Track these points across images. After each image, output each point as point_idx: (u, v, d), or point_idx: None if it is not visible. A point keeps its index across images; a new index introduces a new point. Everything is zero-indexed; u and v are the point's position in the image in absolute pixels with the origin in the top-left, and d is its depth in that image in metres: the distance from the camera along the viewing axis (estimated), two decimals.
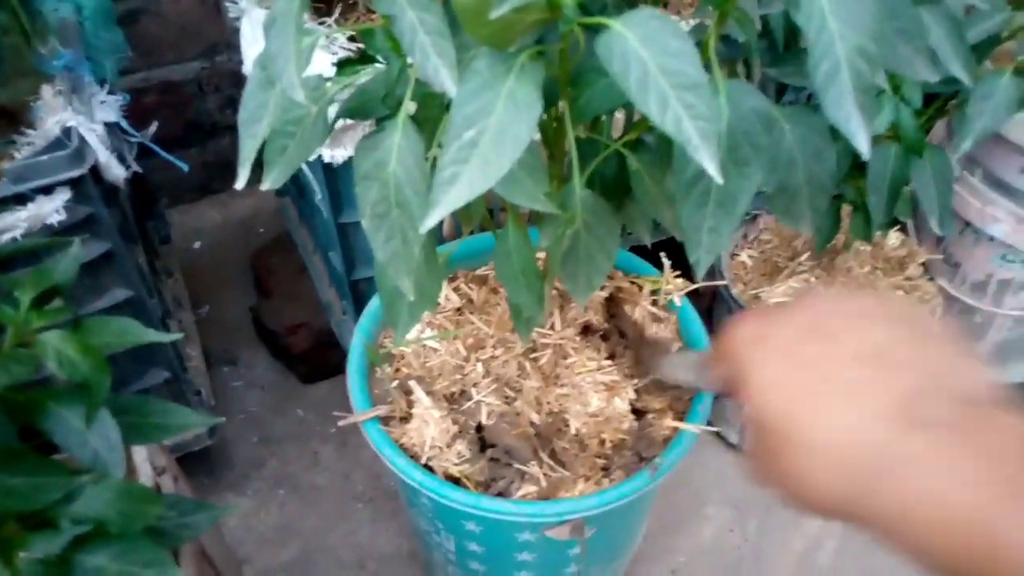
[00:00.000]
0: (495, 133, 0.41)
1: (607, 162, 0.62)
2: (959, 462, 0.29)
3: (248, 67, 0.92)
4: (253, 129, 0.48)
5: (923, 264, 1.08)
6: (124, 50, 1.08)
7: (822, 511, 0.33)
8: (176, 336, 0.55)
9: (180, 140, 1.53)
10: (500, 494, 0.71)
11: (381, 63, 0.56)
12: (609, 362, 0.78)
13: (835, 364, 0.34)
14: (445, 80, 0.41)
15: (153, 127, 0.95)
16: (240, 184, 0.49)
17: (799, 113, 0.52)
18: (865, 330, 0.35)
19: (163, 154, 0.89)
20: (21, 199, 0.73)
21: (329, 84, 0.55)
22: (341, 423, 0.71)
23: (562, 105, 0.54)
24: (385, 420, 0.74)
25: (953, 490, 0.29)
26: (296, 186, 1.21)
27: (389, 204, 0.49)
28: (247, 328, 1.36)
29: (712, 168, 0.38)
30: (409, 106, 0.49)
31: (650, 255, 0.87)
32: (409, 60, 0.51)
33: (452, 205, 0.40)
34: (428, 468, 0.71)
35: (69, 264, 0.52)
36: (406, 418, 0.75)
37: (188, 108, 1.52)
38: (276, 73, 0.43)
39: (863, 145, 0.38)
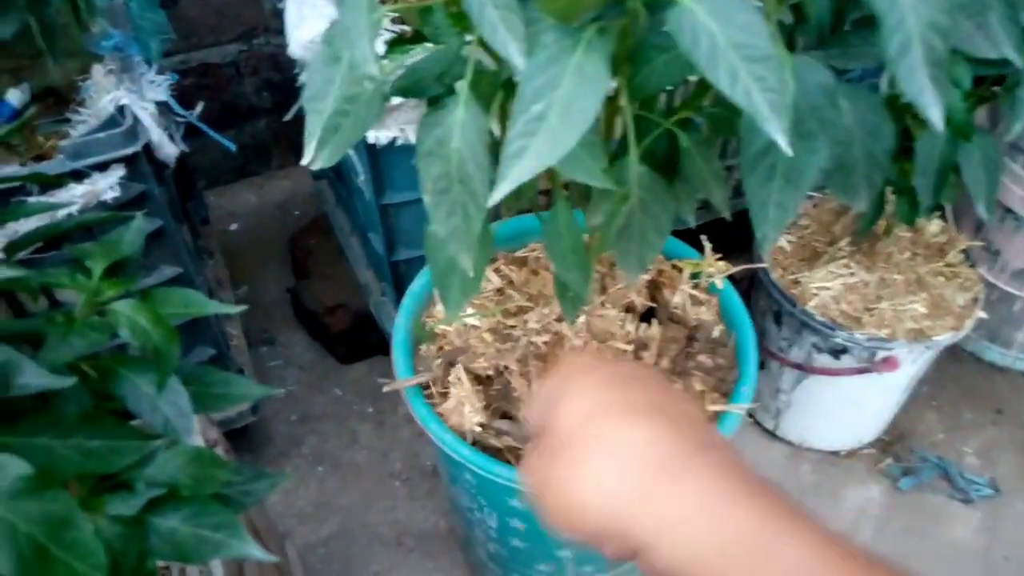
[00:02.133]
0: (563, 107, 0.41)
1: (658, 140, 0.62)
2: (731, 478, 0.32)
3: (293, 48, 0.93)
4: (319, 105, 0.49)
5: (963, 251, 1.08)
6: (168, 31, 1.09)
7: (597, 518, 0.33)
8: (236, 309, 0.56)
9: (217, 122, 1.53)
10: None
11: (430, 44, 0.57)
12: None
13: (643, 396, 0.36)
14: (514, 53, 0.42)
15: (200, 107, 0.96)
16: (306, 160, 0.50)
17: (856, 91, 0.52)
18: (673, 398, 0.37)
19: (212, 133, 0.91)
20: (78, 176, 0.75)
21: (385, 62, 0.56)
22: (386, 388, 0.72)
23: (617, 81, 0.54)
24: (427, 395, 0.75)
25: (722, 499, 0.31)
26: (335, 168, 1.22)
27: (451, 180, 0.50)
28: (285, 309, 1.38)
29: (782, 140, 0.38)
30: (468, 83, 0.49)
31: (690, 238, 0.88)
32: (469, 37, 0.52)
33: (520, 179, 0.41)
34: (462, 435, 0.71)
35: (135, 236, 0.53)
36: (445, 393, 0.76)
37: (225, 91, 1.53)
38: (347, 46, 0.44)
39: (937, 118, 0.38)
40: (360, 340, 1.27)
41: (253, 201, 1.61)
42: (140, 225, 0.55)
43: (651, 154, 0.63)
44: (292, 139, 1.62)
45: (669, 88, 0.77)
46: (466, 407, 0.73)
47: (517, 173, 0.41)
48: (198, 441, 0.72)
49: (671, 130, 0.61)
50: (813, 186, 1.10)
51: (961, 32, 0.49)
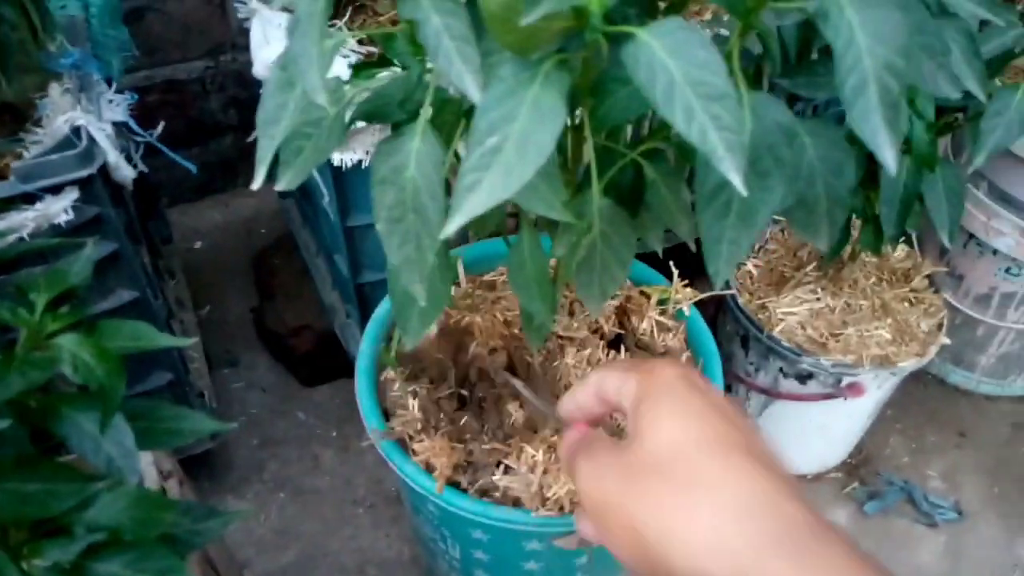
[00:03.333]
0: (519, 140, 0.41)
1: (623, 171, 0.62)
2: (853, 556, 0.28)
3: (258, 68, 0.92)
4: (271, 130, 0.48)
5: (928, 276, 1.08)
6: (130, 48, 1.07)
7: (698, 567, 0.29)
8: (188, 341, 0.55)
9: (182, 140, 1.52)
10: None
11: (398, 67, 0.56)
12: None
13: (743, 438, 0.32)
14: (470, 86, 0.41)
15: (160, 127, 0.95)
16: (256, 185, 0.49)
17: (819, 126, 0.51)
18: (756, 433, 0.34)
19: (172, 155, 0.89)
20: (29, 198, 0.73)
21: (347, 87, 0.55)
22: (364, 444, 0.71)
23: (580, 113, 0.54)
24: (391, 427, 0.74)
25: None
26: (301, 188, 1.20)
27: (405, 209, 0.49)
28: (248, 330, 1.35)
29: (736, 180, 0.37)
30: (427, 111, 0.48)
31: (658, 264, 0.87)
32: (429, 65, 0.51)
33: (473, 212, 0.40)
34: (428, 468, 0.70)
35: (84, 265, 0.51)
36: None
37: (191, 107, 1.51)
38: (298, 75, 0.43)
39: (890, 161, 0.38)
40: (324, 362, 1.25)
41: (218, 219, 1.59)
42: (89, 254, 0.54)
43: (616, 185, 0.63)
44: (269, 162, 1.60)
45: (636, 118, 0.77)
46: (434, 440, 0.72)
47: (470, 207, 0.40)
48: (151, 473, 0.70)
49: (637, 160, 0.61)
50: (773, 220, 1.09)
51: (923, 72, 0.49)
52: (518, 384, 0.69)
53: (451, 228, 0.41)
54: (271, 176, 0.54)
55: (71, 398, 0.45)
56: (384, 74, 0.57)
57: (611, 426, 0.73)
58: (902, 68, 0.39)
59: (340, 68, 0.80)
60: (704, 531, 0.29)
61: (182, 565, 0.43)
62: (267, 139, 0.49)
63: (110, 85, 0.91)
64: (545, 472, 0.69)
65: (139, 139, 0.92)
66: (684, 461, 0.31)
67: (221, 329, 1.36)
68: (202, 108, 1.53)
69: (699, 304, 0.86)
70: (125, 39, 1.07)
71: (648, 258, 0.86)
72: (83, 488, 0.41)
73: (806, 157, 0.50)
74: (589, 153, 0.53)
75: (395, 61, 0.56)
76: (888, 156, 0.38)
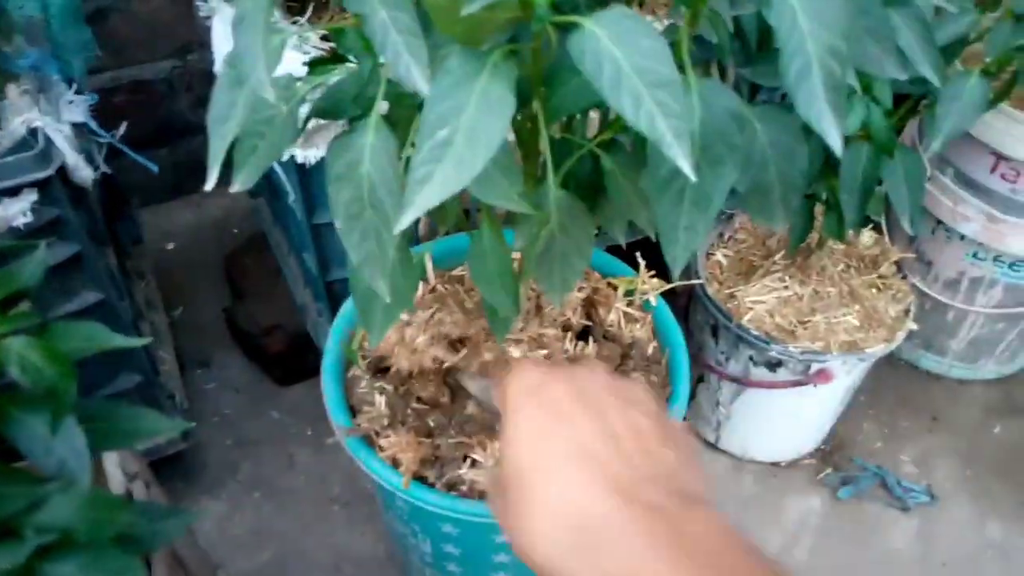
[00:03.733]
0: (468, 132, 0.41)
1: (581, 162, 0.62)
2: (659, 544, 0.32)
3: (219, 67, 0.91)
4: (222, 129, 0.48)
5: (896, 263, 1.09)
6: (93, 49, 1.06)
7: (538, 567, 0.34)
8: (144, 341, 0.54)
9: (151, 140, 1.51)
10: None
11: (353, 63, 0.55)
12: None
13: (587, 435, 0.36)
14: (417, 79, 0.41)
15: (122, 128, 0.94)
16: (210, 185, 0.49)
17: (771, 112, 0.52)
18: (628, 415, 0.38)
19: (132, 155, 0.88)
20: None
21: (300, 83, 0.54)
22: (330, 440, 0.71)
23: (535, 105, 0.54)
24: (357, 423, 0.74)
25: (645, 570, 0.31)
26: (270, 187, 1.19)
27: (363, 205, 0.48)
28: (221, 330, 1.34)
29: (686, 166, 0.38)
30: (381, 106, 0.48)
31: (626, 255, 0.87)
32: (381, 59, 0.51)
33: (426, 205, 0.40)
34: (395, 463, 0.70)
35: (35, 268, 0.51)
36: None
37: (159, 108, 1.50)
38: (245, 71, 0.42)
39: (836, 143, 0.38)
40: (298, 361, 1.25)
41: (190, 219, 1.57)
42: (43, 256, 0.53)
43: (575, 176, 0.63)
44: (230, 156, 1.59)
45: (598, 109, 0.77)
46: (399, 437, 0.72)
47: (424, 199, 0.40)
48: (116, 475, 0.69)
49: (594, 151, 0.61)
50: (726, 209, 1.09)
51: (869, 56, 0.49)
52: (471, 386, 0.71)
53: (405, 221, 0.41)
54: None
55: (20, 399, 0.44)
56: (339, 70, 0.56)
57: None
58: (845, 51, 0.39)
59: (296, 65, 0.79)
60: (533, 537, 0.34)
61: (137, 565, 0.43)
62: (218, 138, 0.49)
63: (71, 86, 0.90)
64: None
65: (101, 140, 0.91)
66: (520, 482, 0.35)
67: (194, 330, 1.35)
68: (170, 108, 1.51)
69: (672, 295, 0.86)
70: (87, 39, 1.06)
71: (617, 250, 0.87)
72: (32, 490, 0.41)
73: (757, 143, 0.50)
74: (544, 143, 0.53)
75: (348, 57, 0.55)
76: (834, 139, 0.38)
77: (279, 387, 1.28)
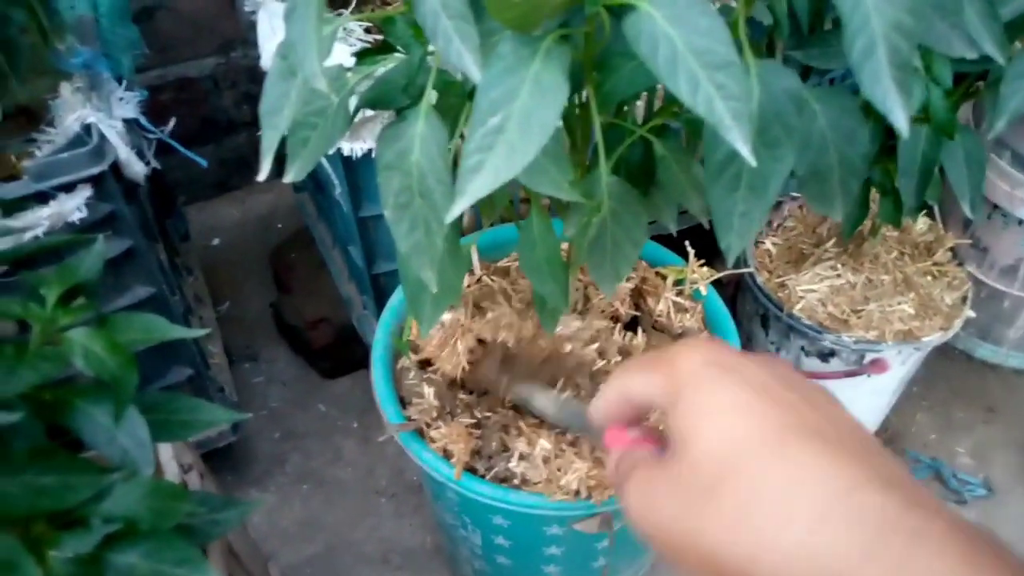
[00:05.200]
0: (521, 119, 0.40)
1: (632, 149, 0.61)
2: (976, 555, 0.24)
3: (266, 61, 0.92)
4: (274, 120, 0.48)
5: (951, 249, 1.06)
6: (140, 46, 1.08)
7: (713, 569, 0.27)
8: (202, 332, 0.55)
9: (196, 137, 1.53)
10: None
11: (401, 53, 0.55)
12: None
13: (811, 418, 0.28)
14: (469, 65, 0.40)
15: (171, 123, 0.95)
16: (262, 176, 0.49)
17: (830, 94, 0.50)
18: (825, 404, 0.30)
19: (182, 150, 0.89)
20: (43, 197, 0.73)
21: (350, 74, 0.54)
22: (381, 438, 0.70)
23: (586, 91, 0.53)
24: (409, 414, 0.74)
25: None
26: (314, 181, 1.20)
27: (412, 194, 0.48)
28: (267, 324, 1.36)
29: (745, 150, 0.37)
30: (431, 95, 0.48)
31: (674, 244, 0.86)
32: (431, 47, 0.50)
33: (477, 194, 0.40)
34: (446, 454, 0.70)
35: (94, 261, 0.51)
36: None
37: (204, 105, 1.52)
38: (297, 62, 0.42)
39: (902, 123, 0.37)
40: (343, 354, 1.26)
41: (235, 216, 1.59)
42: (100, 249, 0.54)
43: (626, 162, 0.62)
44: (277, 150, 1.61)
45: (647, 93, 0.76)
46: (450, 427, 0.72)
47: (475, 188, 0.39)
48: (172, 467, 0.70)
49: (646, 137, 0.60)
50: (791, 197, 1.07)
51: (935, 32, 0.47)
52: (541, 403, 0.64)
53: (457, 210, 0.40)
54: (280, 170, 0.54)
55: (85, 391, 0.45)
56: (388, 60, 0.56)
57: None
58: (912, 27, 0.38)
59: (345, 56, 0.79)
60: (782, 545, 0.25)
61: (199, 555, 0.43)
62: (271, 129, 0.49)
63: (121, 83, 0.91)
64: (556, 457, 0.68)
65: (151, 136, 0.92)
66: (739, 469, 0.27)
67: (240, 325, 1.36)
68: (215, 105, 1.53)
69: (718, 284, 0.85)
70: (135, 37, 1.07)
71: (665, 239, 0.86)
72: (98, 480, 0.41)
73: (817, 126, 0.49)
74: (597, 130, 0.52)
75: (396, 46, 0.55)
76: (900, 118, 0.37)
77: (325, 380, 1.29)
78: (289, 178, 0.53)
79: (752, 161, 0.37)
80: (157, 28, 1.40)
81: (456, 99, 0.55)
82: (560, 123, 0.59)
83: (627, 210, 0.56)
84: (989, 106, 0.70)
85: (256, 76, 1.52)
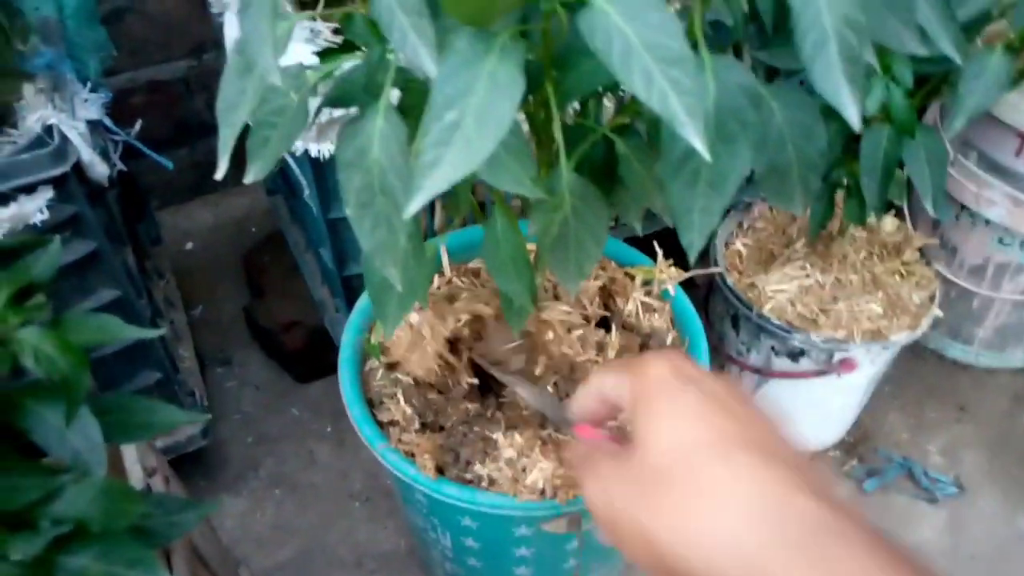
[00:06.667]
0: (477, 114, 0.40)
1: (595, 147, 0.61)
2: (877, 549, 0.28)
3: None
4: (231, 117, 0.48)
5: (919, 249, 1.08)
6: (108, 48, 1.06)
7: (699, 566, 0.29)
8: (157, 332, 0.54)
9: (170, 140, 1.52)
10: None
11: (364, 51, 0.55)
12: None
13: (758, 430, 0.31)
14: (425, 60, 0.40)
15: (138, 125, 0.94)
16: (220, 175, 0.48)
17: (788, 92, 0.51)
18: (767, 422, 0.33)
19: (147, 152, 0.88)
20: (3, 198, 0.72)
21: (309, 72, 0.54)
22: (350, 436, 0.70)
23: (548, 89, 0.53)
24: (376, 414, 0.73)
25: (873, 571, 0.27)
26: (287, 183, 1.20)
27: (373, 192, 0.48)
28: (241, 328, 1.35)
29: (699, 144, 0.37)
30: (393, 94, 0.48)
31: (644, 245, 0.87)
32: (390, 44, 0.50)
33: (435, 189, 0.39)
34: (414, 457, 0.69)
35: (48, 261, 0.51)
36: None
37: (177, 108, 1.51)
38: (252, 58, 0.42)
39: (854, 118, 0.37)
40: (317, 358, 1.25)
41: (209, 219, 1.58)
42: (56, 249, 0.53)
43: (589, 161, 0.62)
44: (242, 149, 1.60)
45: (612, 94, 0.76)
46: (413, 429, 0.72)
47: (433, 183, 0.39)
48: (135, 471, 0.70)
49: (609, 136, 0.60)
50: (745, 198, 1.07)
51: (887, 29, 0.48)
52: (524, 392, 0.69)
53: (414, 206, 0.40)
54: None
55: (35, 392, 0.44)
56: (350, 59, 0.56)
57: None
58: (863, 23, 0.38)
59: (305, 55, 0.79)
60: (716, 535, 0.28)
61: (153, 557, 0.43)
62: (228, 127, 0.49)
63: (86, 85, 0.90)
64: (522, 456, 0.68)
65: (117, 138, 0.91)
66: (686, 467, 0.30)
67: (214, 328, 1.35)
68: (188, 108, 1.52)
69: (691, 286, 0.85)
70: (102, 39, 1.06)
71: (636, 241, 0.86)
72: (48, 481, 0.41)
73: (774, 122, 0.49)
74: (556, 127, 0.52)
75: (358, 44, 0.55)
76: (851, 113, 0.37)
77: (299, 384, 1.28)
78: (249, 178, 0.53)
79: (707, 156, 0.37)
80: (127, 30, 1.39)
81: (418, 97, 0.55)
82: (517, 118, 0.59)
83: (589, 208, 0.56)
84: (949, 106, 0.71)
85: None
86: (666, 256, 0.85)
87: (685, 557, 0.29)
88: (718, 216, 0.45)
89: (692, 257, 0.46)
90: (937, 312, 1.01)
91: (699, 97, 0.37)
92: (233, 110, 0.48)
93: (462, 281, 0.86)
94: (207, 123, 1.55)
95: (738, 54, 0.88)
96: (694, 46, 0.45)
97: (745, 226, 1.12)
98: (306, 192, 0.96)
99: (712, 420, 0.32)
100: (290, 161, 0.95)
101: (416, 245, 0.58)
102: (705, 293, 1.17)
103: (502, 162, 0.48)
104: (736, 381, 0.30)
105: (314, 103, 0.54)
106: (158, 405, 0.53)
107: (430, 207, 1.00)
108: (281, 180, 1.27)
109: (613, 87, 0.57)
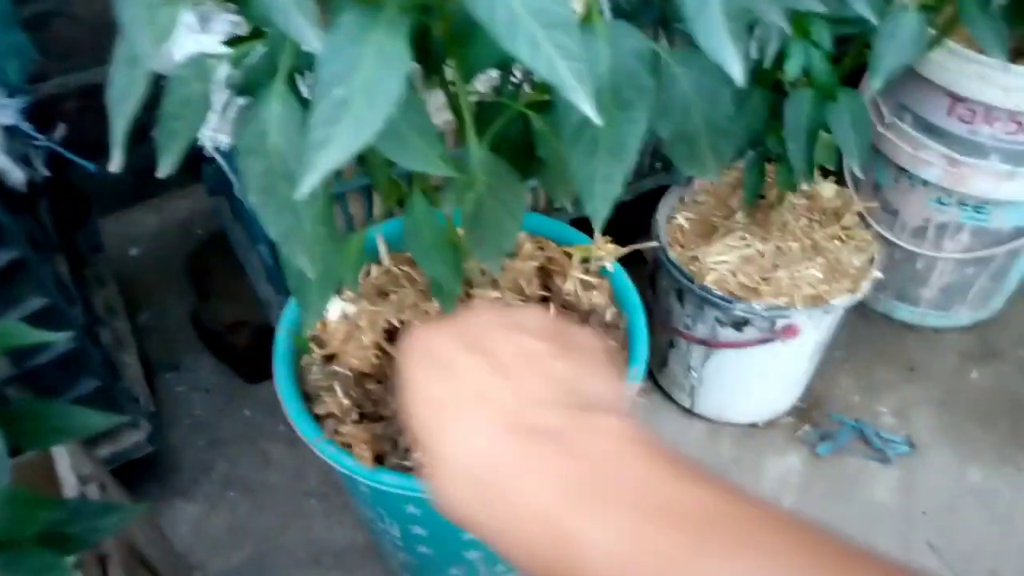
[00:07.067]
0: (365, 89, 0.39)
1: (512, 125, 0.60)
2: (549, 472, 0.29)
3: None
4: (122, 108, 0.46)
5: (859, 213, 1.09)
6: (29, 53, 1.04)
7: (463, 525, 0.32)
8: (59, 336, 0.53)
9: (107, 146, 1.48)
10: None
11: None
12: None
13: (474, 376, 0.33)
14: (309, 36, 0.39)
15: (60, 130, 0.92)
16: (114, 167, 0.47)
17: (692, 57, 0.50)
18: (517, 341, 0.35)
19: (69, 155, 0.87)
20: None
21: (210, 60, 0.53)
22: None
23: (454, 64, 0.52)
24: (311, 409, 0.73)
25: (540, 499, 0.28)
26: (226, 183, 1.17)
27: (275, 177, 0.47)
28: (189, 332, 1.33)
29: (589, 110, 0.36)
30: (283, 74, 0.47)
31: (587, 226, 0.86)
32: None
33: (327, 167, 0.39)
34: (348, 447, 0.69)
35: None
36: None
37: None
38: (131, 44, 0.41)
39: (737, 73, 0.37)
40: (265, 357, 1.22)
41: (153, 223, 1.55)
42: None
43: (506, 139, 0.61)
44: (188, 157, 1.57)
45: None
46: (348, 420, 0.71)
47: (324, 162, 0.38)
48: (69, 478, 0.68)
49: (525, 113, 0.59)
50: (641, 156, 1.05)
51: None
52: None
53: (306, 186, 0.39)
54: (196, 174, 0.53)
55: None
56: (258, 46, 0.55)
57: None
58: None
59: (211, 44, 0.78)
60: (446, 497, 0.32)
61: (62, 564, 0.42)
62: (119, 118, 0.48)
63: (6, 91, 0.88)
64: None
65: (38, 144, 0.89)
66: (424, 445, 0.33)
67: (161, 334, 1.33)
68: None
69: (639, 261, 0.85)
70: (24, 45, 1.04)
71: (582, 222, 0.85)
72: None
73: (678, 88, 0.49)
74: (463, 103, 0.51)
75: (260, 28, 0.54)
76: (735, 69, 0.37)
77: (249, 385, 1.26)
78: (162, 172, 0.52)
79: (598, 120, 0.37)
80: (55, 35, 1.35)
81: None
82: (425, 95, 0.58)
83: (503, 185, 0.55)
84: (868, 65, 0.71)
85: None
86: (618, 233, 0.84)
87: (450, 516, 0.32)
88: (619, 184, 0.45)
89: (597, 226, 0.46)
90: (877, 274, 1.02)
91: (586, 62, 0.36)
92: (124, 100, 0.47)
93: (401, 270, 0.85)
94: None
95: (667, 30, 0.88)
96: (590, 14, 0.45)
97: (686, 200, 1.12)
98: (235, 187, 0.94)
99: (433, 396, 0.34)
100: (218, 158, 0.93)
101: (330, 231, 0.56)
102: (653, 269, 1.18)
103: (406, 139, 0.48)
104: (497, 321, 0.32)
105: (223, 93, 0.53)
106: (72, 410, 0.52)
107: (367, 195, 0.99)
108: (222, 178, 1.25)
109: (512, 60, 0.56)
